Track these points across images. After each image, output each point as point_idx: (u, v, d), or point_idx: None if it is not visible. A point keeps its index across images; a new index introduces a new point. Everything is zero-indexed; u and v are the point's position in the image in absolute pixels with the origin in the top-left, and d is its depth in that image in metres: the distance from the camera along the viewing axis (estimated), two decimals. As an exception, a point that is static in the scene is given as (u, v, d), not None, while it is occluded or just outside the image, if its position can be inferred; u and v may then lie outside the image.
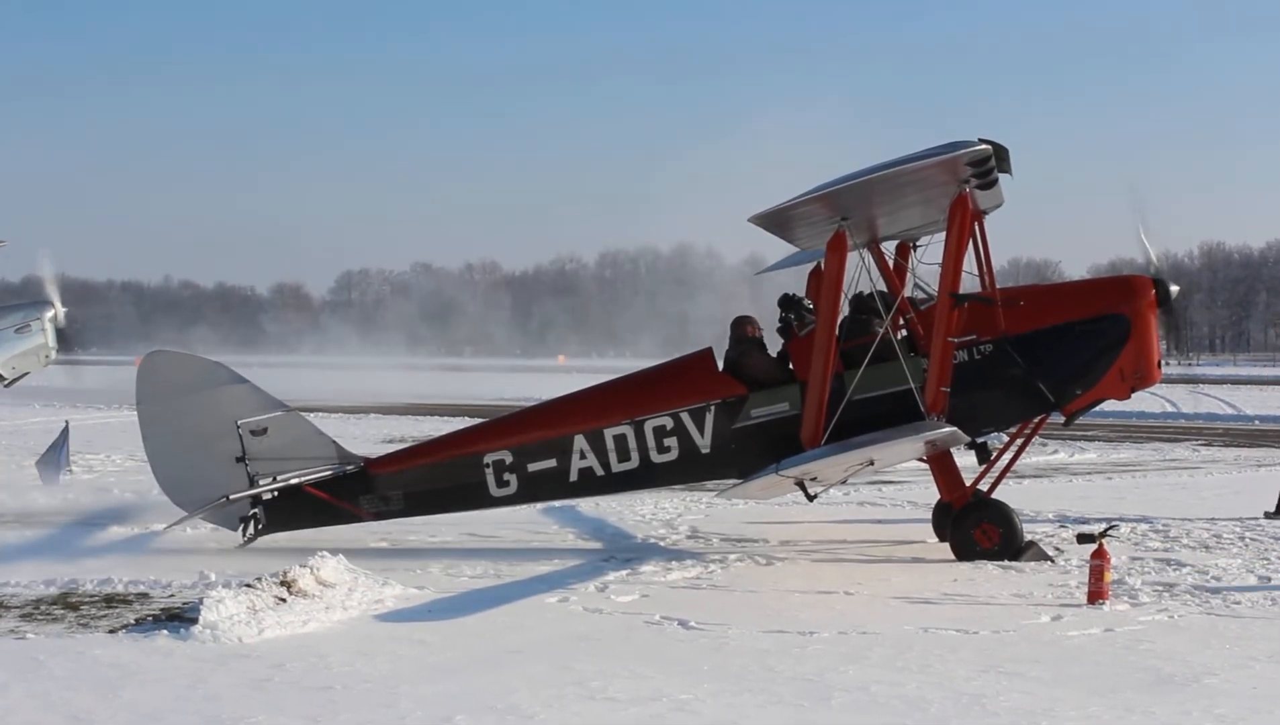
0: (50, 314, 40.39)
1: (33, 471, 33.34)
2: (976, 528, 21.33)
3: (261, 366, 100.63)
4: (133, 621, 17.12)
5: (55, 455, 31.85)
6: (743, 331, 22.38)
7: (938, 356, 20.65)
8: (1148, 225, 22.38)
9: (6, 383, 40.12)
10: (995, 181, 20.63)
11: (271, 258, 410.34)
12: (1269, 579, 19.75)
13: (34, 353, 40.19)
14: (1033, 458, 35.45)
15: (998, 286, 21.69)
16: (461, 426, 25.05)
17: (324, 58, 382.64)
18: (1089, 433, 46.17)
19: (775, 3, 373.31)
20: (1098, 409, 23.55)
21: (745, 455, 21.69)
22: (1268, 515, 25.17)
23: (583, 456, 22.21)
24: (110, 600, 18.58)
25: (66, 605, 18.27)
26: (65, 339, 41.36)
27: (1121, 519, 24.74)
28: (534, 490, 22.64)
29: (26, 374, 40.80)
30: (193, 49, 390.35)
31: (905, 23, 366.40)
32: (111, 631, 16.58)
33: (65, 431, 33.15)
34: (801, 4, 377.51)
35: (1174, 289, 21.89)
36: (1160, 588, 18.96)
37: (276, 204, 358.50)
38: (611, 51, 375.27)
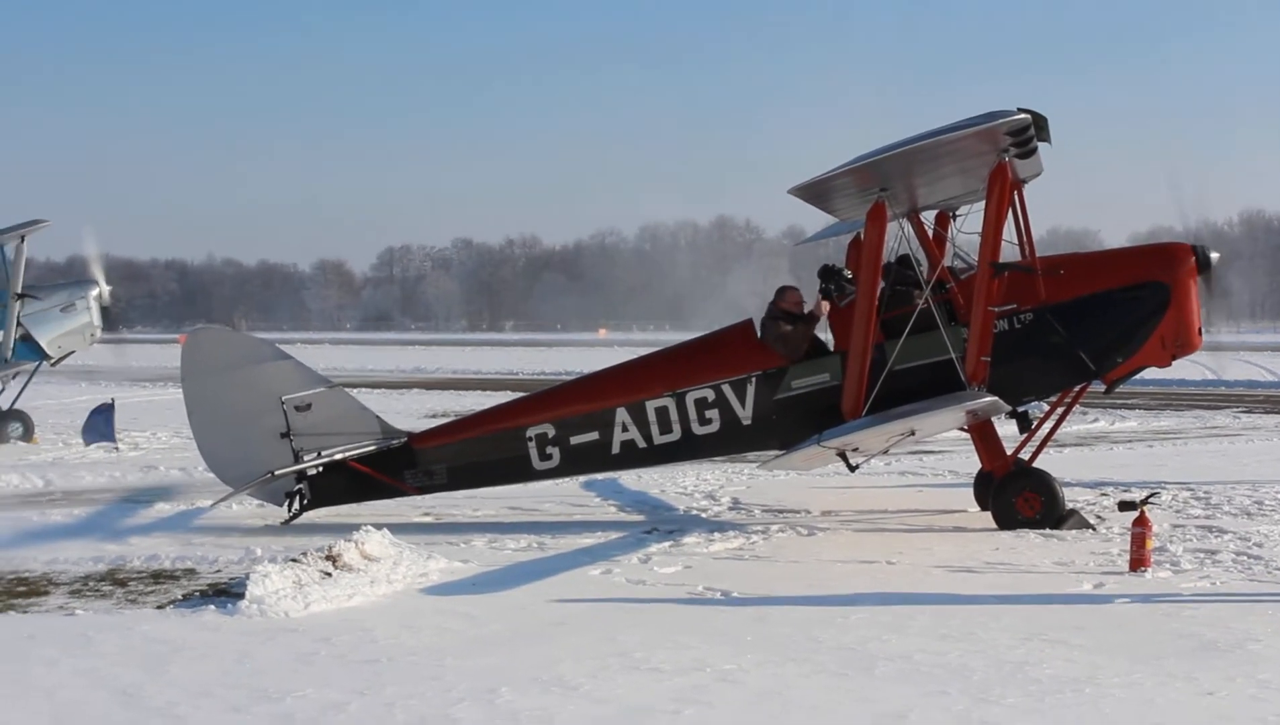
0: (95, 292, 40.48)
1: (81, 450, 33.58)
2: (1018, 496, 21.29)
3: (305, 346, 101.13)
4: (180, 597, 17.21)
5: (102, 425, 32.02)
6: (776, 303, 22.31)
7: (978, 326, 20.59)
8: (1190, 192, 22.30)
9: (53, 362, 40.22)
10: (1034, 150, 20.55)
11: (314, 235, 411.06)
12: (1312, 545, 19.69)
13: (79, 331, 40.32)
14: (1073, 426, 35.39)
15: (1037, 255, 21.61)
16: (503, 400, 25.02)
17: (365, 35, 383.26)
18: (1129, 401, 46.05)
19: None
20: (1138, 377, 23.45)
21: (787, 426, 21.67)
22: None
23: (624, 429, 22.22)
24: (157, 576, 18.68)
25: (114, 582, 18.37)
26: (110, 318, 41.49)
27: (1163, 486, 24.65)
28: (576, 463, 22.67)
29: (72, 353, 40.92)
30: (235, 28, 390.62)
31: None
32: (159, 607, 16.66)
33: (111, 406, 33.31)
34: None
35: (1214, 256, 21.76)
36: (1202, 555, 18.89)
37: (318, 181, 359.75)
38: (649, 25, 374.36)
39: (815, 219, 25.04)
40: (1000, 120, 19.24)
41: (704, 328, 26.43)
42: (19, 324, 38.80)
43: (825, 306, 22.19)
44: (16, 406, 39.32)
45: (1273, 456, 31.14)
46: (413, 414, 43.12)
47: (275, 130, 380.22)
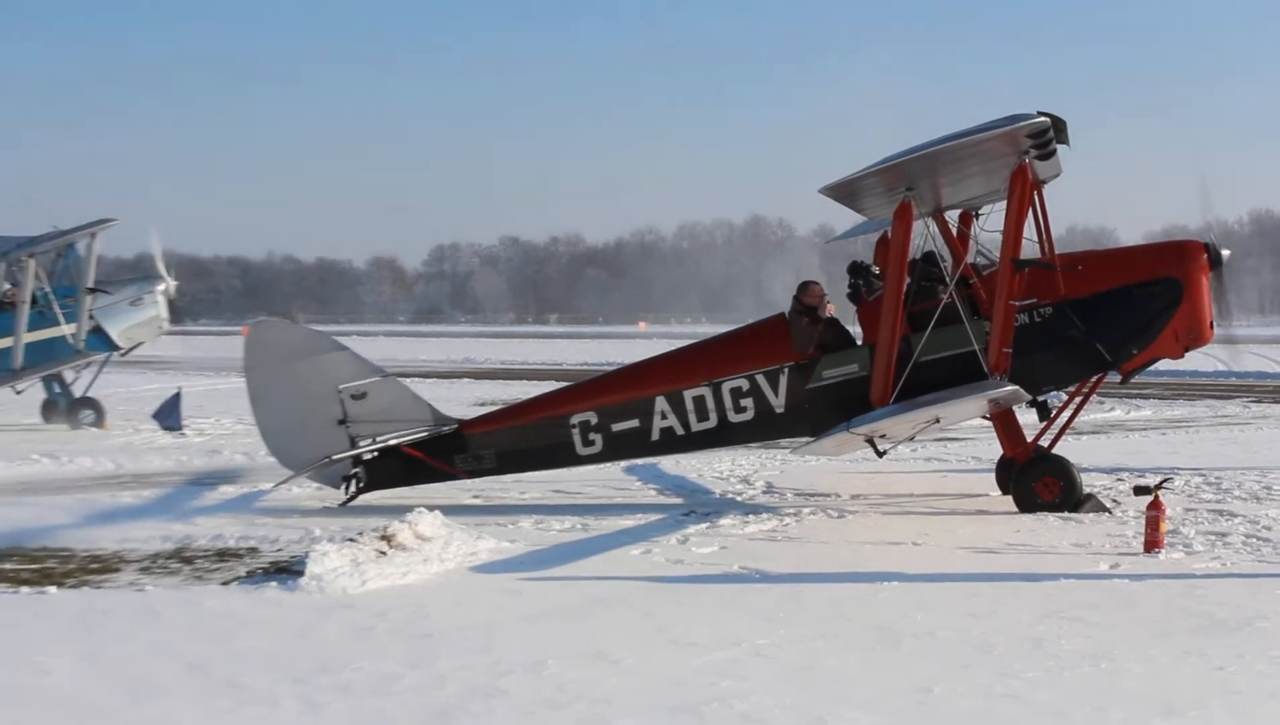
0: (162, 287, 40.74)
1: (149, 435, 33.70)
2: (1038, 481, 21.28)
3: (361, 337, 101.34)
4: (244, 574, 17.28)
5: (171, 413, 32.19)
6: (799, 297, 22.33)
7: (1000, 319, 20.57)
8: (1208, 194, 22.23)
9: (123, 352, 40.50)
10: (1054, 152, 20.50)
11: (368, 233, 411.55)
12: (1318, 528, 19.62)
13: (148, 324, 40.59)
14: (1091, 415, 35.26)
15: (1057, 252, 21.57)
16: (549, 390, 25.07)
17: (414, 42, 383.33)
18: (1144, 391, 45.87)
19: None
20: (1152, 368, 23.38)
21: (817, 414, 21.66)
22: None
23: (664, 417, 22.24)
24: (222, 555, 18.76)
25: (182, 559, 18.46)
26: (176, 311, 41.70)
27: (1176, 472, 24.59)
28: (618, 449, 22.69)
29: (141, 344, 41.18)
30: (284, 33, 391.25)
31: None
32: (224, 584, 16.74)
33: (178, 397, 33.49)
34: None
35: (1225, 253, 21.70)
36: (1213, 537, 18.83)
37: (372, 182, 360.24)
38: (684, 38, 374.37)
39: (845, 217, 25.01)
40: (1021, 123, 19.19)
41: (739, 321, 26.43)
42: (90, 317, 39.07)
43: (831, 308, 22.20)
44: (88, 394, 39.56)
45: (1281, 444, 31.01)
46: (462, 402, 43.14)
47: (330, 132, 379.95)
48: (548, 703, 11.49)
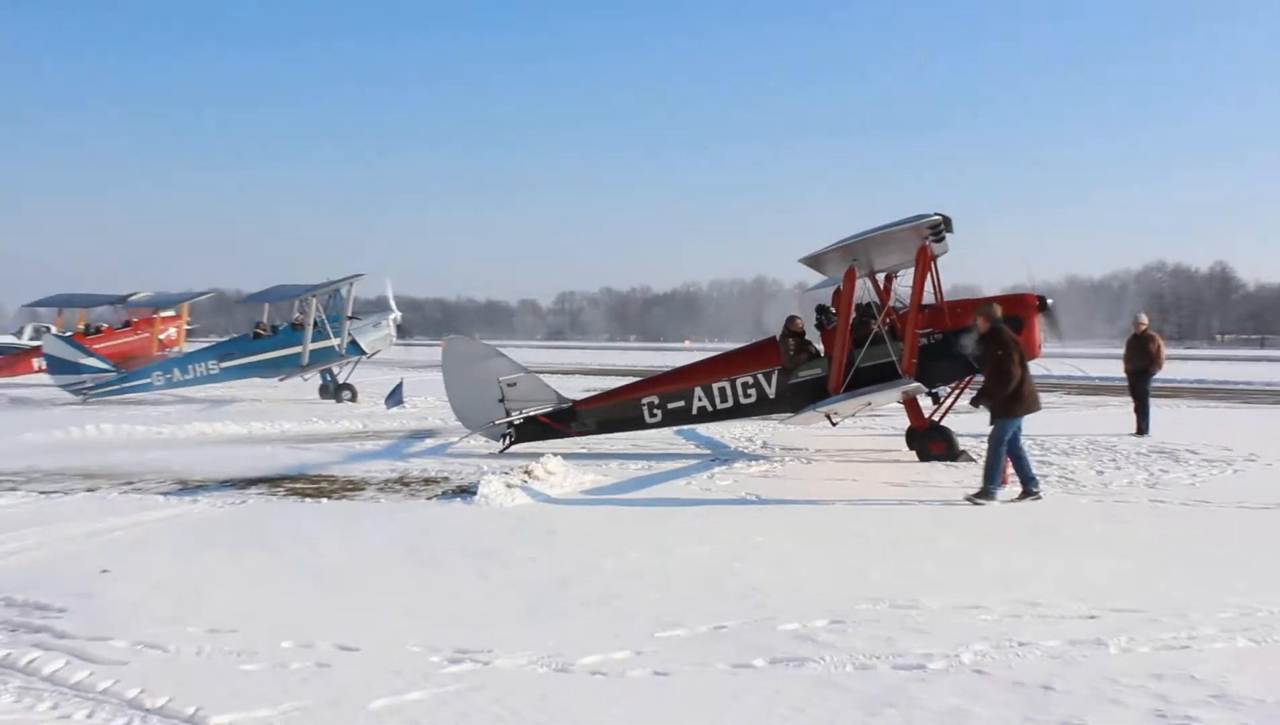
0: (393, 317, 41.20)
1: (384, 408, 33.95)
2: (931, 442, 21.27)
3: (513, 348, 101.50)
4: (440, 493, 17.44)
5: (396, 395, 32.39)
6: (787, 327, 22.41)
7: (909, 342, 20.57)
8: (1031, 267, 22.18)
9: (368, 356, 40.94)
10: (944, 238, 20.48)
11: (519, 281, 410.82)
12: (1102, 473, 19.49)
13: (384, 339, 40.95)
14: (964, 401, 35.04)
15: (945, 299, 21.53)
16: (628, 382, 25.17)
17: (556, 144, 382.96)
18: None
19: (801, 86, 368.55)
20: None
21: (796, 399, 21.70)
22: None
23: (700, 399, 22.28)
24: (428, 481, 18.92)
25: (402, 483, 18.64)
26: (400, 331, 42.15)
27: (1018, 437, 24.45)
28: (671, 420, 22.67)
29: (379, 351, 41.60)
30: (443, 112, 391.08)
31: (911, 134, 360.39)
32: (429, 498, 16.92)
33: (401, 384, 33.76)
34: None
35: (1050, 301, 21.62)
36: (1039, 477, 18.71)
37: (520, 252, 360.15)
38: (713, 141, 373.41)
39: (813, 276, 25.06)
40: (922, 220, 19.19)
41: (747, 340, 26.41)
42: (349, 334, 39.60)
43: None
44: (347, 381, 40.00)
45: (1083, 421, 30.69)
46: (576, 389, 42.97)
47: (495, 214, 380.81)
48: (629, 576, 11.62)
